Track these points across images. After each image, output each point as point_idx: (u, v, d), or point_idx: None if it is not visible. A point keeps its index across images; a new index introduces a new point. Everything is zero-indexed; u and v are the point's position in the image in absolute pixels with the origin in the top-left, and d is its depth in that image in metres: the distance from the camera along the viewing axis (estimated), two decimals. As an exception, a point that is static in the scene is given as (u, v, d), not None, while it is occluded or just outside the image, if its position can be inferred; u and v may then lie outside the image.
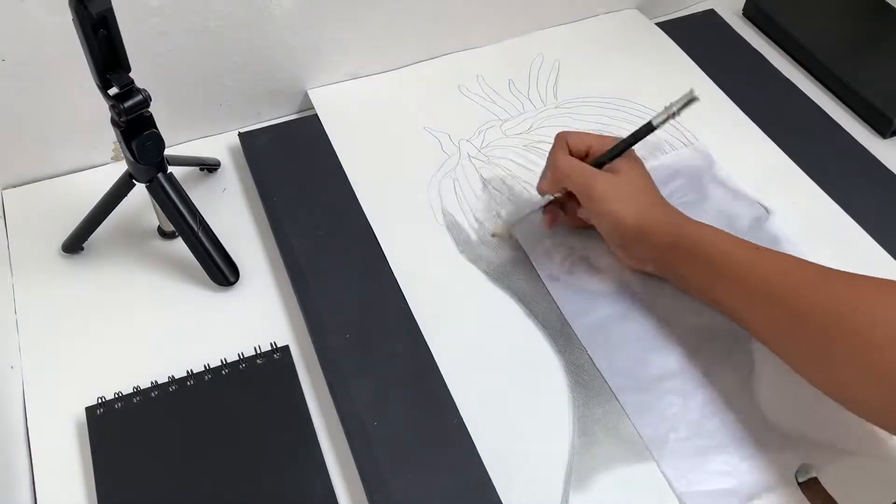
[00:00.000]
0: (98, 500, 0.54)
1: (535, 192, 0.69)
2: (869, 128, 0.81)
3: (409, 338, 0.62)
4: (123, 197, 0.65)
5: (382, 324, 0.63)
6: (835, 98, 0.84)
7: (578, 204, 0.64)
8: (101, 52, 0.53)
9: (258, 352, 0.61)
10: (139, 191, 0.63)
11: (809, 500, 0.54)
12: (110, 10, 0.51)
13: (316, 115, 0.78)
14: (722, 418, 0.58)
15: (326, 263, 0.67)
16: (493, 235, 0.69)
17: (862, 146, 0.77)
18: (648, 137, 0.63)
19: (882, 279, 0.51)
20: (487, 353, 0.62)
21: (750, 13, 0.93)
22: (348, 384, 0.59)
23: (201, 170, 0.75)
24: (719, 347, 0.61)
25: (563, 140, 0.65)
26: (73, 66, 0.60)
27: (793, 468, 0.55)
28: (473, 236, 0.69)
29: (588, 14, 0.89)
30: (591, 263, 0.67)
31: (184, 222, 0.63)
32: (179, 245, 0.66)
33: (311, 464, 0.56)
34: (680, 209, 0.62)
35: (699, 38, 0.88)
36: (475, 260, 0.67)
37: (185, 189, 0.64)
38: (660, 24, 0.89)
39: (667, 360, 0.61)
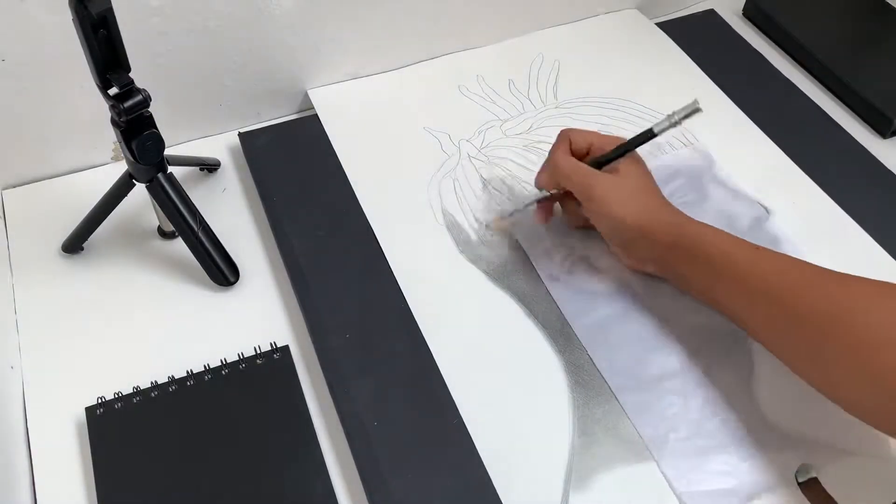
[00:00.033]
0: (98, 500, 0.54)
1: (534, 190, 0.69)
2: (869, 128, 0.81)
3: (409, 338, 0.62)
4: (123, 197, 0.65)
5: (382, 324, 0.63)
6: (835, 98, 0.84)
7: (577, 203, 0.64)
8: (101, 52, 0.53)
9: (258, 352, 0.61)
10: (139, 191, 0.63)
11: (809, 500, 0.54)
12: (110, 10, 0.51)
13: (316, 115, 0.78)
14: (722, 418, 0.58)
15: (326, 263, 0.67)
16: (487, 227, 0.69)
17: (862, 146, 0.77)
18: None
19: (878, 281, 0.52)
20: (487, 353, 0.62)
21: (750, 13, 0.93)
22: (348, 384, 0.59)
23: (201, 170, 0.75)
24: (718, 347, 0.61)
25: (565, 137, 0.65)
26: (73, 66, 0.60)
27: (793, 468, 0.55)
28: (473, 236, 0.69)
29: (588, 14, 0.89)
30: (591, 263, 0.67)
31: (184, 222, 0.63)
32: (179, 245, 0.66)
33: (311, 464, 0.56)
34: (680, 209, 0.62)
35: (699, 38, 0.88)
36: (475, 260, 0.67)
37: (185, 189, 0.64)
38: (660, 24, 0.89)
39: (667, 360, 0.61)
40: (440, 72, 0.83)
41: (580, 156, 0.65)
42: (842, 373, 0.50)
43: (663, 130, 0.62)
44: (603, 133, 0.66)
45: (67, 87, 0.67)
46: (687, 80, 0.83)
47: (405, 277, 0.65)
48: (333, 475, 0.56)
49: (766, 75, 0.85)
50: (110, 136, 0.66)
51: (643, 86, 0.82)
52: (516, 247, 0.68)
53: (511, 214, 0.69)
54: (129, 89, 0.55)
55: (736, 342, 0.61)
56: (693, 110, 0.60)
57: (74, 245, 0.68)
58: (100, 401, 0.58)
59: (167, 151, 0.61)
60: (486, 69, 0.83)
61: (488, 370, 0.61)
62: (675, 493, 0.55)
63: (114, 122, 0.58)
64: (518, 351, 0.62)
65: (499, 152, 0.76)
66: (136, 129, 0.57)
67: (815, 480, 0.55)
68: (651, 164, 0.65)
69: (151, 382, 0.59)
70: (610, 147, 0.64)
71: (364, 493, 0.54)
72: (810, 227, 0.69)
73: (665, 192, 0.64)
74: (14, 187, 0.73)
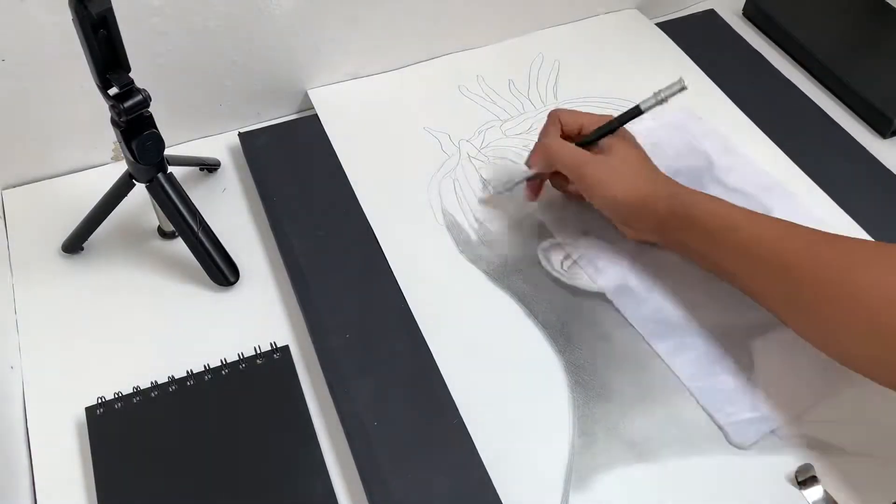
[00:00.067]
0: (98, 500, 0.54)
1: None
2: (869, 128, 0.81)
3: (409, 338, 0.62)
4: (123, 197, 0.65)
5: (382, 324, 0.63)
6: (835, 98, 0.84)
7: (567, 180, 0.66)
8: (101, 52, 0.53)
9: (258, 352, 0.61)
10: (139, 191, 0.63)
11: (809, 499, 0.54)
12: (110, 10, 0.51)
13: (316, 115, 0.78)
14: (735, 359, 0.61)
15: (326, 263, 0.67)
16: (480, 202, 0.71)
17: (862, 146, 0.77)
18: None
19: (876, 242, 0.54)
20: (487, 353, 0.62)
21: (750, 13, 0.93)
22: (348, 384, 0.59)
23: (201, 170, 0.75)
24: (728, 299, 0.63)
25: (555, 118, 0.66)
26: (73, 66, 0.60)
27: (793, 468, 0.55)
28: (473, 236, 0.69)
29: (588, 14, 0.89)
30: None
31: (184, 222, 0.63)
32: (179, 245, 0.66)
33: (311, 464, 0.56)
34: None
35: (699, 38, 0.88)
36: (475, 260, 0.67)
37: (185, 189, 0.64)
38: (660, 24, 0.89)
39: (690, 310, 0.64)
40: (440, 72, 0.83)
41: (571, 136, 0.66)
42: (842, 332, 0.52)
43: (650, 107, 0.64)
44: (594, 114, 0.67)
45: (67, 87, 0.67)
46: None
47: (405, 277, 0.65)
48: (333, 475, 0.56)
49: (766, 75, 0.85)
50: (110, 136, 0.66)
51: (643, 86, 0.81)
52: (516, 247, 0.68)
53: (502, 193, 0.70)
54: (129, 89, 0.55)
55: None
56: (679, 88, 0.63)
57: (74, 245, 0.68)
58: (100, 401, 0.58)
59: (167, 151, 0.61)
60: (486, 69, 0.83)
61: (488, 370, 0.61)
62: (717, 425, 0.57)
63: (114, 122, 0.58)
64: (518, 351, 0.62)
65: (499, 152, 0.76)
66: (136, 129, 0.57)
67: (815, 480, 0.55)
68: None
69: (151, 382, 0.59)
70: (599, 126, 0.65)
71: (364, 493, 0.54)
72: (810, 226, 0.69)
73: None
74: (14, 187, 0.73)
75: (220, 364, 0.60)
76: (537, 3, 0.85)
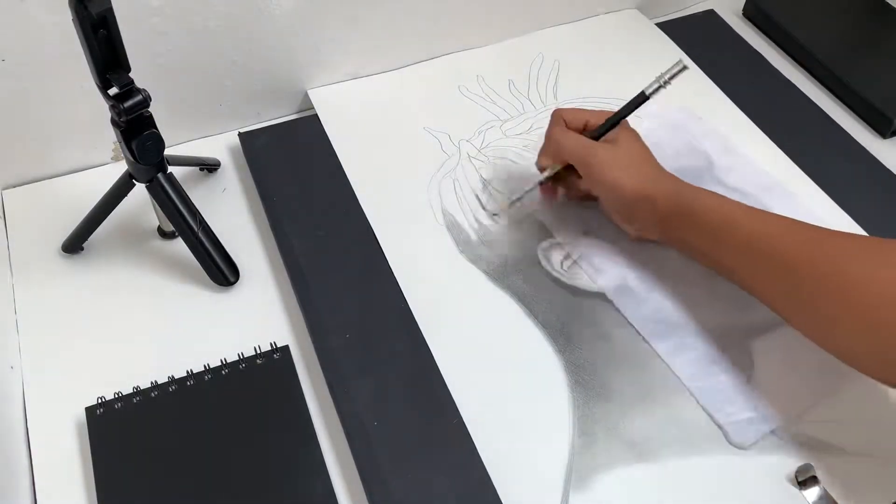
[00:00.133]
0: (98, 500, 0.54)
1: (536, 173, 0.69)
2: (869, 128, 0.81)
3: (409, 338, 0.62)
4: (123, 197, 0.65)
5: (382, 324, 0.63)
6: (835, 98, 0.84)
7: (578, 177, 0.65)
8: (101, 52, 0.53)
9: (258, 352, 0.61)
10: (139, 191, 0.63)
11: (809, 499, 0.54)
12: (110, 10, 0.51)
13: (316, 115, 0.78)
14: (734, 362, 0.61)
15: (326, 263, 0.67)
16: (495, 216, 0.70)
17: (862, 146, 0.77)
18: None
19: (876, 238, 0.54)
20: (487, 353, 0.62)
21: (750, 13, 0.93)
22: (348, 384, 0.59)
23: (201, 170, 0.75)
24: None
25: (559, 116, 0.67)
26: (73, 66, 0.60)
27: (793, 468, 0.55)
28: (473, 236, 0.69)
29: (588, 14, 0.89)
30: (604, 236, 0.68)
31: (184, 222, 0.63)
32: (179, 245, 0.66)
33: (311, 464, 0.56)
34: None
35: (699, 38, 0.88)
36: (475, 260, 0.67)
37: (185, 189, 0.64)
38: (660, 24, 0.89)
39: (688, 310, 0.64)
40: (440, 72, 0.83)
41: (577, 133, 0.66)
42: (840, 327, 0.52)
43: (654, 92, 0.64)
44: (596, 110, 0.68)
45: (67, 87, 0.67)
46: (687, 79, 0.82)
47: (405, 277, 0.65)
48: (333, 475, 0.56)
49: (766, 75, 0.85)
50: (110, 136, 0.66)
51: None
52: (516, 246, 0.68)
53: (519, 199, 0.69)
54: (129, 89, 0.55)
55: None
56: (680, 69, 0.63)
57: (74, 245, 0.68)
58: (100, 401, 0.58)
59: (167, 151, 0.61)
60: (486, 69, 0.83)
61: (488, 370, 0.61)
62: (717, 425, 0.57)
63: (114, 122, 0.58)
64: (518, 351, 0.62)
65: (499, 152, 0.76)
66: (136, 129, 0.57)
67: (815, 480, 0.55)
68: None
69: (151, 382, 0.59)
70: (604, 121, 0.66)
71: (364, 493, 0.54)
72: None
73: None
74: (14, 187, 0.73)
75: (220, 364, 0.60)
76: (537, 3, 0.85)
